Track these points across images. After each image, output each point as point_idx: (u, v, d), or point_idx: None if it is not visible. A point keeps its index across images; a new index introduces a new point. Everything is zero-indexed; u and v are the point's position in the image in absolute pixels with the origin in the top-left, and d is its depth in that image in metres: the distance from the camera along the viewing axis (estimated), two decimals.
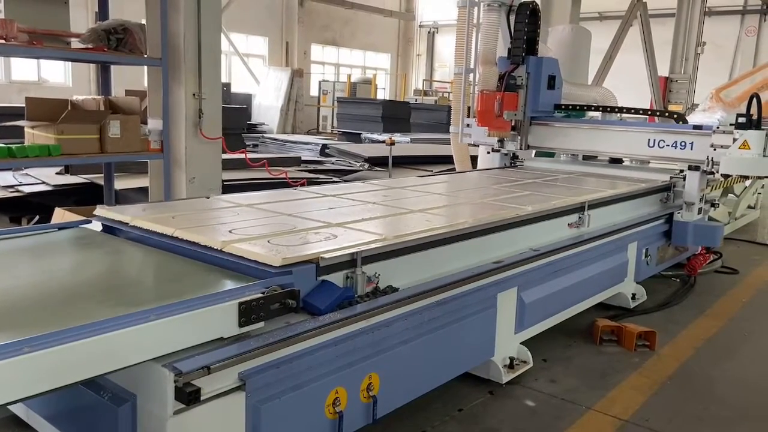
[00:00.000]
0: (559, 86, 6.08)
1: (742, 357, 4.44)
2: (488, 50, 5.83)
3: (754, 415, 3.58)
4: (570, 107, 6.27)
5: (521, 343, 3.89)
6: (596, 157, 6.40)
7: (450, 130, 6.60)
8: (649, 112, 6.07)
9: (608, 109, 6.66)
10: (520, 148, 6.10)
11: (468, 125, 6.21)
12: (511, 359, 3.77)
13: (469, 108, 6.22)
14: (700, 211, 5.52)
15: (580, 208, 4.35)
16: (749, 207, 8.52)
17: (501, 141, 6.15)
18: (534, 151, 6.67)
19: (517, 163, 6.41)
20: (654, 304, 5.32)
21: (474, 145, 6.53)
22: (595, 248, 4.42)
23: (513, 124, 5.94)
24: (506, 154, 6.37)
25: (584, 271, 4.41)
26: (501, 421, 3.36)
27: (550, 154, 6.81)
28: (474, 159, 7.22)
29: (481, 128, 6.01)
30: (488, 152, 6.47)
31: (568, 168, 6.14)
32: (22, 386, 1.75)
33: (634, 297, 5.19)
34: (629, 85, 15.54)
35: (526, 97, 5.87)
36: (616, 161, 6.31)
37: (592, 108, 6.54)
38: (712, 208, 6.70)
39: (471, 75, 6.07)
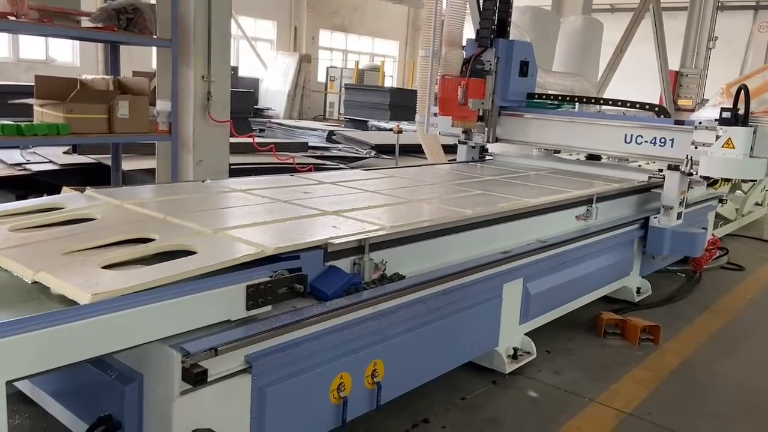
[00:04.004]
0: (533, 73, 5.52)
1: (746, 354, 4.43)
2: (453, 31, 5.32)
3: (755, 412, 3.58)
4: (544, 97, 5.78)
5: (525, 334, 3.90)
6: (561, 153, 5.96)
7: (416, 120, 6.04)
8: (628, 104, 5.53)
9: (585, 99, 6.16)
10: (488, 141, 5.61)
11: (435, 114, 5.64)
12: (515, 350, 3.78)
13: (436, 95, 5.62)
14: (679, 216, 4.91)
15: (588, 201, 4.34)
16: (756, 204, 8.51)
17: (467, 132, 5.69)
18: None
19: (487, 157, 5.92)
20: (659, 298, 5.31)
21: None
22: (602, 241, 4.41)
23: (480, 114, 5.42)
24: (474, 147, 5.85)
25: (590, 264, 4.40)
26: (503, 410, 3.36)
27: None
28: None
29: (447, 117, 5.49)
30: (455, 144, 5.98)
31: (539, 164, 5.68)
32: (28, 363, 1.76)
33: (639, 291, 5.19)
34: (639, 78, 15.48)
35: (495, 85, 5.33)
36: (594, 158, 5.89)
37: (568, 98, 6.17)
38: (720, 204, 6.68)
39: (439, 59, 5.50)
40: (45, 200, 3.17)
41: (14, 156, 7.02)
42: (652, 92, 13.71)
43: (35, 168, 6.63)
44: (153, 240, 2.52)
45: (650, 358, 4.15)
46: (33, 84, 5.04)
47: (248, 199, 3.44)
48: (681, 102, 13.61)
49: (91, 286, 2.00)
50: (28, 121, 4.81)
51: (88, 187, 3.30)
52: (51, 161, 6.87)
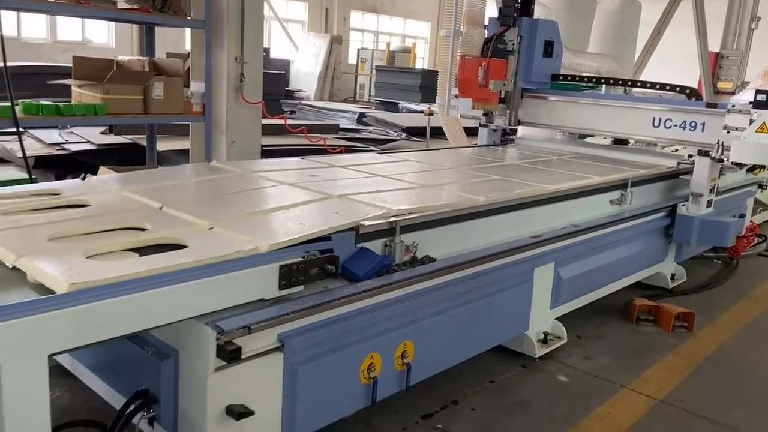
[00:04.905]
0: (558, 54, 5.28)
1: None
2: (475, 8, 5.12)
3: None
4: (569, 78, 5.54)
5: (556, 319, 3.88)
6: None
7: (436, 102, 5.77)
8: (657, 86, 5.23)
9: (612, 81, 5.85)
10: (509, 124, 5.39)
11: (456, 96, 5.36)
12: (545, 334, 3.76)
13: (457, 77, 5.38)
14: (709, 204, 4.71)
15: (622, 185, 4.27)
16: None
17: (488, 115, 5.49)
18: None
19: (514, 140, 5.73)
20: (694, 285, 5.23)
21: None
22: (636, 226, 4.35)
23: (502, 96, 5.22)
24: (495, 130, 5.62)
25: (624, 249, 4.35)
26: (532, 394, 3.36)
27: None
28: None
29: (468, 99, 5.24)
30: (477, 126, 5.77)
31: (563, 148, 5.44)
32: (69, 338, 1.81)
33: (673, 277, 5.11)
34: (679, 60, 15.09)
35: (518, 65, 5.14)
36: (621, 142, 5.69)
37: (594, 80, 5.81)
38: (759, 190, 6.51)
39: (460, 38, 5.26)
40: (42, 185, 3.10)
41: (53, 136, 7.17)
42: (690, 75, 13.35)
43: (73, 148, 6.76)
44: (145, 230, 2.44)
45: (684, 345, 4.09)
46: (71, 65, 5.13)
47: (253, 182, 3.34)
48: (721, 85, 13.22)
49: (71, 275, 1.92)
50: (66, 102, 4.90)
51: (87, 174, 3.26)
52: (88, 141, 7.00)
